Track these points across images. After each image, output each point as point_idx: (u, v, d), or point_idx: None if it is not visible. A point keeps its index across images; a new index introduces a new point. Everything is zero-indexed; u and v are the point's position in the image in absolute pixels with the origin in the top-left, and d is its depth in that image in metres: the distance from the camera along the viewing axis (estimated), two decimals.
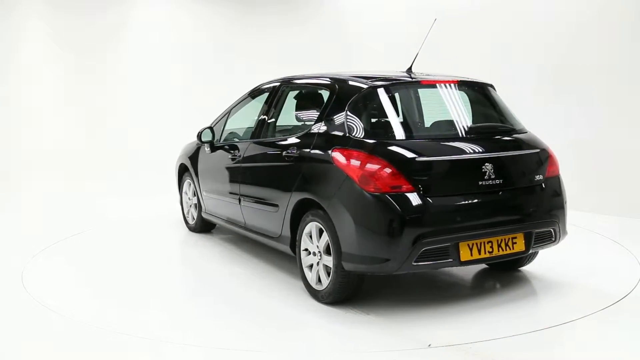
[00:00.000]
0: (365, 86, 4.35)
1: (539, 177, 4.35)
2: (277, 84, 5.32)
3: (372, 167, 3.89)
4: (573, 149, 7.74)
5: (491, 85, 4.87)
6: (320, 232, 4.22)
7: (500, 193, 4.13)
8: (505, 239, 4.10)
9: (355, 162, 3.96)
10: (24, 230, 6.85)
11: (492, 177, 4.07)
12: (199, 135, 5.80)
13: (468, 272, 5.02)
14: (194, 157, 6.25)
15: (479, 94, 4.80)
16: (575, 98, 7.74)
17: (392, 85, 4.45)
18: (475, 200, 4.04)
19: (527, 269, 5.11)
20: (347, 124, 4.19)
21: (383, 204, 3.82)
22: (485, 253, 4.01)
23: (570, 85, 7.78)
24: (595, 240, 6.10)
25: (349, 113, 4.23)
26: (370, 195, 3.84)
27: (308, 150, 4.39)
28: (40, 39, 10.42)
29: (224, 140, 5.73)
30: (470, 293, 4.54)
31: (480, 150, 4.14)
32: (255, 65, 10.43)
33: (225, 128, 5.79)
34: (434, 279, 4.85)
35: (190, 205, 6.50)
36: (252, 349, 3.57)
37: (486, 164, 4.07)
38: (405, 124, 4.41)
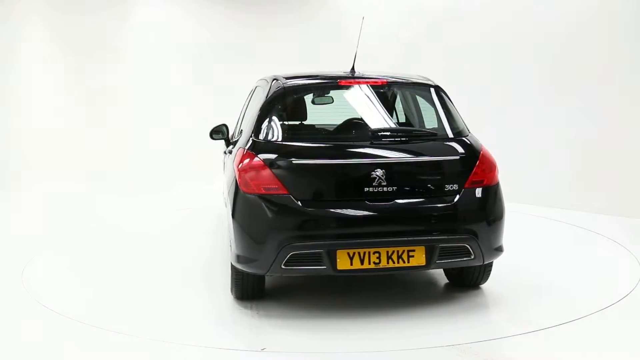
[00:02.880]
0: (277, 87, 4.37)
1: (451, 187, 3.95)
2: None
3: (249, 167, 3.91)
4: (573, 149, 7.75)
5: (434, 87, 4.55)
6: None
7: (393, 201, 3.86)
8: (398, 251, 3.80)
9: (241, 163, 4.00)
10: (24, 230, 6.85)
11: (383, 184, 3.82)
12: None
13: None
14: None
15: (413, 96, 4.72)
16: (575, 98, 7.74)
17: (303, 86, 4.47)
18: (358, 208, 3.82)
19: (527, 268, 5.11)
20: (255, 125, 4.21)
21: (254, 204, 3.83)
22: (370, 264, 3.77)
23: (571, 85, 7.78)
24: (595, 240, 6.09)
25: (259, 113, 4.25)
26: (246, 195, 3.88)
27: (230, 149, 4.44)
28: (40, 39, 10.42)
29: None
30: (470, 293, 4.54)
31: (373, 155, 3.93)
32: (256, 65, 10.43)
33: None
34: (434, 279, 4.85)
35: None
36: (252, 349, 3.57)
37: (377, 169, 3.83)
38: (302, 126, 4.41)
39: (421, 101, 4.71)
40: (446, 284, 4.72)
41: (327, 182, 3.90)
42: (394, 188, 3.85)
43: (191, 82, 10.95)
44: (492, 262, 4.33)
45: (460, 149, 4.12)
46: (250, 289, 4.23)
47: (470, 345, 3.56)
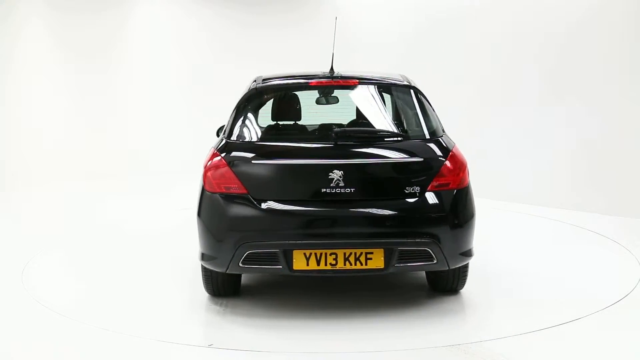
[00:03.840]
0: (250, 88, 4.42)
1: (413, 190, 3.88)
2: None
3: (212, 166, 3.99)
4: (573, 149, 7.75)
5: (408, 87, 4.44)
6: None
7: (351, 203, 3.84)
8: (355, 253, 3.76)
9: (207, 162, 4.07)
10: (24, 230, 6.85)
11: (341, 185, 3.81)
12: None
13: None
14: None
15: (385, 96, 4.68)
16: (575, 98, 7.74)
17: (274, 87, 4.50)
18: (315, 208, 3.85)
19: (526, 267, 5.11)
20: (228, 125, 4.27)
21: (215, 203, 3.92)
22: (326, 265, 3.77)
23: (571, 85, 7.78)
24: (595, 240, 6.09)
25: (233, 114, 4.30)
26: (208, 194, 3.97)
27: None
28: (40, 39, 10.41)
29: None
30: (470, 293, 4.54)
31: (332, 155, 3.91)
32: (256, 65, 10.42)
33: None
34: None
35: None
36: (253, 349, 3.57)
37: (335, 170, 3.81)
38: (273, 126, 4.41)
39: (396, 101, 4.66)
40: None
41: (285, 183, 3.94)
42: (352, 189, 3.82)
43: (191, 82, 10.95)
44: (466, 267, 4.23)
45: (426, 151, 4.02)
46: (220, 286, 4.28)
47: (470, 345, 3.56)
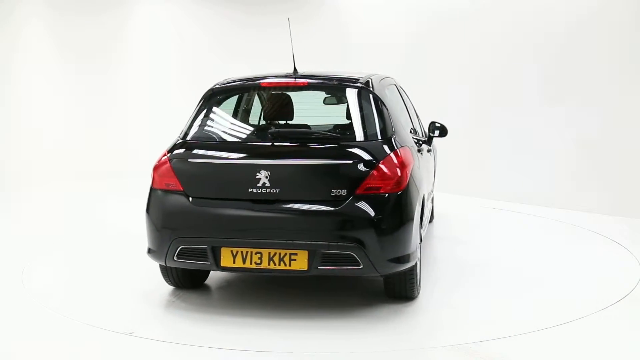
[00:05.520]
0: (208, 89, 4.54)
1: (340, 192, 3.79)
2: None
3: (158, 164, 4.21)
4: (573, 149, 7.75)
5: (358, 87, 4.30)
6: None
7: (275, 204, 3.85)
8: (280, 254, 3.79)
9: (158, 159, 4.28)
10: (24, 230, 6.85)
11: (267, 185, 3.84)
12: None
13: (468, 273, 5.02)
14: None
15: (334, 97, 4.74)
16: (575, 98, 7.74)
17: (228, 87, 4.60)
18: (241, 208, 3.89)
19: (526, 268, 5.11)
20: (185, 125, 4.43)
21: (157, 199, 4.15)
22: (251, 264, 3.84)
23: (571, 85, 7.78)
24: (595, 240, 6.10)
25: (194, 115, 4.45)
26: (153, 190, 4.22)
27: None
28: (40, 39, 10.42)
29: None
30: (469, 293, 4.54)
31: (262, 156, 3.97)
32: (256, 65, 10.42)
33: None
34: (430, 279, 4.85)
35: None
36: (251, 349, 3.57)
37: (261, 171, 3.85)
38: (213, 127, 4.45)
39: (348, 102, 4.55)
40: (444, 283, 4.72)
41: (216, 181, 4.02)
42: (278, 190, 3.84)
43: (191, 82, 10.94)
44: (413, 274, 4.09)
45: (358, 154, 3.89)
46: (175, 278, 4.44)
47: (471, 345, 3.56)
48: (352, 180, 3.81)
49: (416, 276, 4.18)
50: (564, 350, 3.54)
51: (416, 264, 4.10)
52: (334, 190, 3.80)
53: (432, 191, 5.58)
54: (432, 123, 5.75)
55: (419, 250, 4.18)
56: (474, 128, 8.70)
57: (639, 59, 7.17)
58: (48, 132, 10.38)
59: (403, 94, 5.71)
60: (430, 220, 6.71)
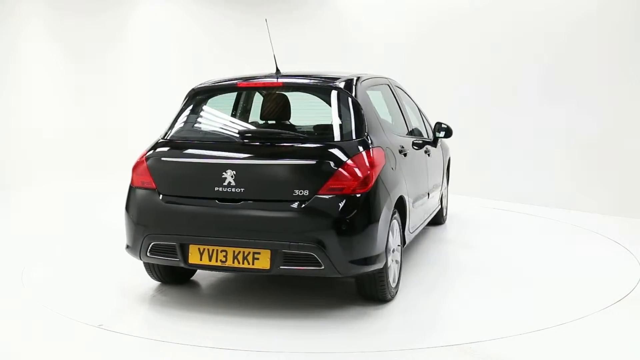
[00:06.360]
0: (190, 89, 4.66)
1: (302, 193, 3.79)
2: None
3: (137, 162, 4.30)
4: (573, 149, 7.75)
5: (333, 89, 4.28)
6: None
7: (240, 203, 3.89)
8: (243, 252, 3.85)
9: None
10: (24, 230, 6.85)
11: (233, 184, 3.89)
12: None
13: (467, 273, 5.02)
14: None
15: (311, 98, 4.69)
16: (575, 98, 7.74)
17: (208, 88, 4.69)
18: (208, 206, 3.95)
19: (526, 268, 5.11)
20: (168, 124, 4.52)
21: (133, 196, 4.24)
22: (217, 261, 3.91)
23: (571, 85, 7.79)
24: (595, 240, 6.10)
25: (175, 115, 4.59)
26: (130, 187, 4.30)
27: None
28: (40, 39, 10.42)
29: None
30: (469, 293, 4.54)
31: (228, 156, 4.01)
32: (256, 65, 10.42)
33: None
34: (429, 279, 4.85)
35: None
36: (252, 349, 3.57)
37: (227, 170, 3.91)
38: (191, 127, 4.52)
39: (322, 102, 4.59)
40: (444, 283, 4.72)
41: (185, 180, 4.10)
42: (242, 189, 3.89)
43: (191, 82, 10.92)
44: (382, 274, 4.05)
45: (323, 154, 3.89)
46: (158, 274, 4.55)
47: (471, 345, 3.56)
48: (315, 181, 3.81)
49: (387, 278, 4.13)
50: (563, 350, 3.54)
51: (387, 266, 4.07)
52: (296, 191, 3.81)
53: (429, 192, 5.57)
54: (438, 124, 5.76)
55: (393, 252, 4.21)
56: (473, 128, 8.70)
57: (639, 59, 7.18)
58: (48, 132, 10.38)
59: (402, 94, 5.69)
60: (442, 223, 6.72)
